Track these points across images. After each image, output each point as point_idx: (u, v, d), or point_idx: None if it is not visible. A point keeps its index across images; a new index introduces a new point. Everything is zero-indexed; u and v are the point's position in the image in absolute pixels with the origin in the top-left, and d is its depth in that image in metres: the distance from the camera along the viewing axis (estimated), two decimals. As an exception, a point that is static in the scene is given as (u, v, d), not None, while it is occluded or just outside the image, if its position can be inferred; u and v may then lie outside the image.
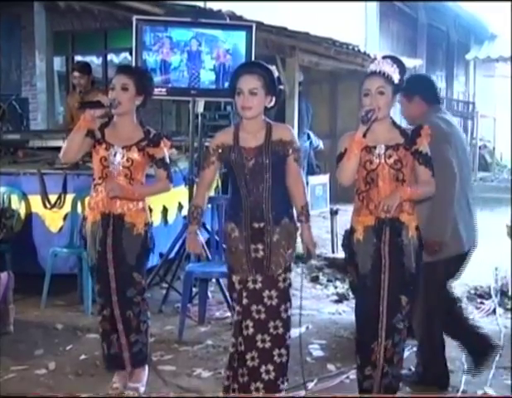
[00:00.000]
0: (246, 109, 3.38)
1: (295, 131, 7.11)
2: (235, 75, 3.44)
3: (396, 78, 3.31)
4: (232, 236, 3.48)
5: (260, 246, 3.43)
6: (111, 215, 3.69)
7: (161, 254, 5.56)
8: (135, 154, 3.69)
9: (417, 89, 3.94)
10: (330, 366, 4.22)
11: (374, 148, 3.30)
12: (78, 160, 4.28)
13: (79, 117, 3.70)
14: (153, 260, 5.22)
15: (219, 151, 3.46)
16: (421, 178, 3.34)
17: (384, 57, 3.38)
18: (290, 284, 3.49)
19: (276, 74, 3.47)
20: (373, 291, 3.31)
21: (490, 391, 3.88)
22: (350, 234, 3.42)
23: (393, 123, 3.40)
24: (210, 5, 8.18)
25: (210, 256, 5.07)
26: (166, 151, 3.76)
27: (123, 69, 3.86)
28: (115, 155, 3.67)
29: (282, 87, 3.54)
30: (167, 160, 3.78)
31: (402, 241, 3.32)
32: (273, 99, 3.44)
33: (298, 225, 3.53)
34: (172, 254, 5.53)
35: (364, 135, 3.24)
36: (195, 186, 5.42)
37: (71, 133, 3.66)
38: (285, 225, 3.45)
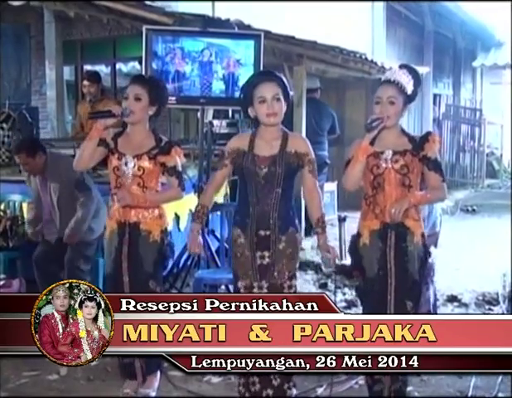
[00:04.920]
0: (271, 116, 3.38)
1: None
2: (253, 84, 3.43)
3: (410, 89, 3.34)
4: (238, 242, 3.50)
5: (266, 253, 3.45)
6: (127, 224, 3.71)
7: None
8: (146, 163, 3.69)
9: None
10: (340, 372, 4.24)
11: (382, 153, 3.35)
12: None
13: (90, 126, 3.73)
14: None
15: (234, 155, 3.48)
16: (431, 184, 3.38)
17: (401, 66, 3.41)
18: (295, 292, 3.49)
19: (285, 80, 3.52)
20: (380, 295, 3.34)
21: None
22: (356, 238, 3.47)
23: (402, 130, 3.44)
24: (218, 14, 8.24)
25: (219, 263, 5.10)
26: (177, 159, 3.74)
27: (137, 78, 3.85)
28: (126, 164, 3.69)
29: (291, 93, 3.58)
30: (179, 168, 3.76)
31: (407, 247, 3.35)
32: (286, 105, 3.47)
33: (314, 236, 3.55)
34: (182, 261, 5.56)
35: (373, 142, 3.28)
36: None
37: (83, 142, 3.70)
38: (291, 234, 3.48)
